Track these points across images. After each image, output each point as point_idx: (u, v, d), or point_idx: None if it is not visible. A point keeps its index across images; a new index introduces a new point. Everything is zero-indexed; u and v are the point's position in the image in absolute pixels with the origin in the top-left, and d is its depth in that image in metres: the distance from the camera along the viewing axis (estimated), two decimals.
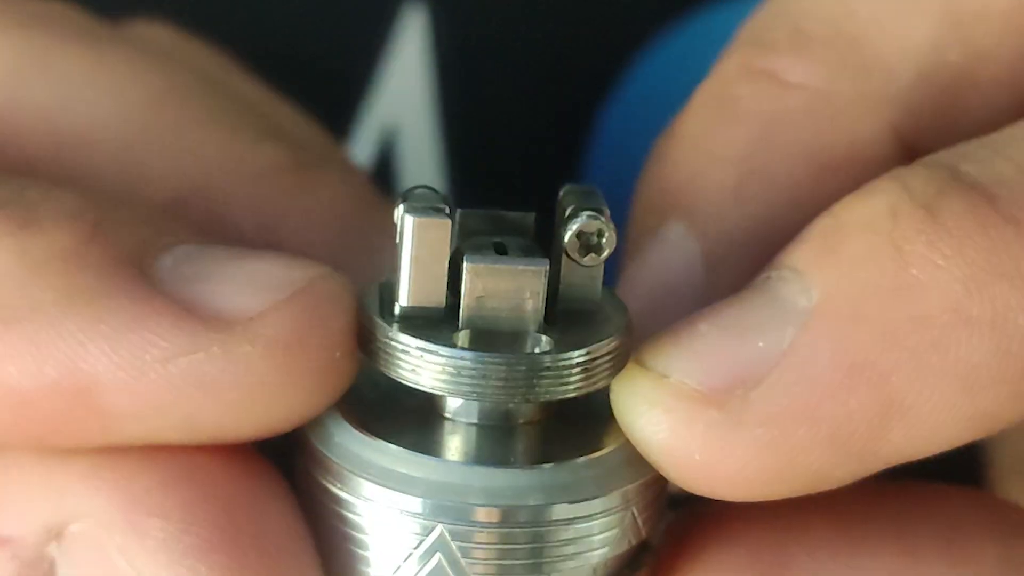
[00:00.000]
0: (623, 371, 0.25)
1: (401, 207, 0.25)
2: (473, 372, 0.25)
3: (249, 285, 0.26)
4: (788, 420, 0.23)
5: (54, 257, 0.25)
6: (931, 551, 0.26)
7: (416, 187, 0.26)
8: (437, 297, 0.25)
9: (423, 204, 0.25)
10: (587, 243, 0.25)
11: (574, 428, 0.26)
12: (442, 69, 0.40)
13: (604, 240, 0.25)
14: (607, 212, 0.25)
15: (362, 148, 0.40)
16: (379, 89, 0.40)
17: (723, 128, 0.28)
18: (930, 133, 0.27)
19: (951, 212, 0.24)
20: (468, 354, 0.25)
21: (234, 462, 0.25)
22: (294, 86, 0.40)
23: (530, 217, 0.26)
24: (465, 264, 0.25)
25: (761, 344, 0.24)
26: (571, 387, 0.25)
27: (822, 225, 0.25)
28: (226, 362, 0.25)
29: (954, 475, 0.29)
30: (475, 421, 0.26)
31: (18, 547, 0.25)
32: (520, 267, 0.25)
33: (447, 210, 0.25)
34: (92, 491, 0.25)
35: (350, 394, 0.26)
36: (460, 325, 0.25)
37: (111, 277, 0.25)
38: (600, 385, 0.25)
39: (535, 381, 0.25)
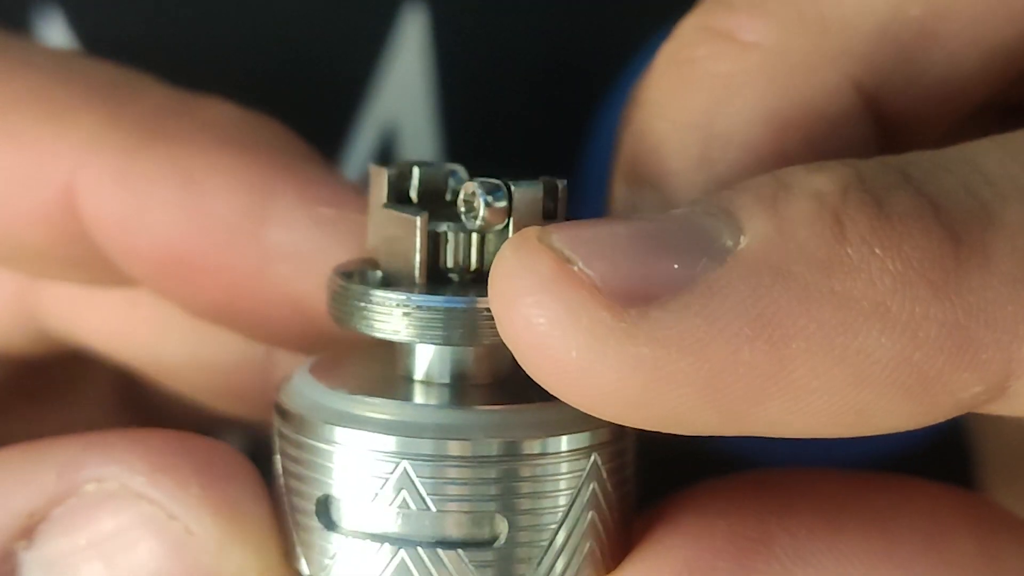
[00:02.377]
0: (517, 241, 0.24)
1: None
2: (426, 316, 0.26)
3: None
4: (676, 348, 0.22)
5: (258, 121, 0.30)
6: (912, 543, 0.26)
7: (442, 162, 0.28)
8: (373, 245, 0.27)
9: (403, 161, 0.27)
10: (467, 205, 0.26)
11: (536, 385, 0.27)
12: (442, 69, 0.40)
13: (476, 204, 0.26)
14: (507, 186, 0.26)
15: (362, 147, 0.40)
16: (379, 88, 0.40)
17: (683, 93, 0.28)
18: (892, 88, 0.27)
19: (897, 208, 0.23)
20: (379, 294, 0.26)
21: (200, 436, 0.27)
22: (295, 86, 0.40)
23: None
24: (380, 211, 0.27)
25: (676, 266, 0.23)
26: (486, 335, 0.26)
27: (764, 180, 0.24)
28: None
29: (943, 475, 0.29)
30: (446, 381, 0.27)
31: None
32: (401, 215, 0.26)
33: (405, 164, 0.27)
34: (99, 456, 0.25)
35: (324, 366, 0.27)
36: (377, 268, 0.27)
37: (306, 152, 0.30)
38: None
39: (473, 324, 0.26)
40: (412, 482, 0.25)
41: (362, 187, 0.30)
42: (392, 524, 0.25)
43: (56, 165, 0.30)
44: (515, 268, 0.23)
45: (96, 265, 0.31)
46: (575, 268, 0.23)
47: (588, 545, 0.26)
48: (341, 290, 0.26)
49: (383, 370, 0.28)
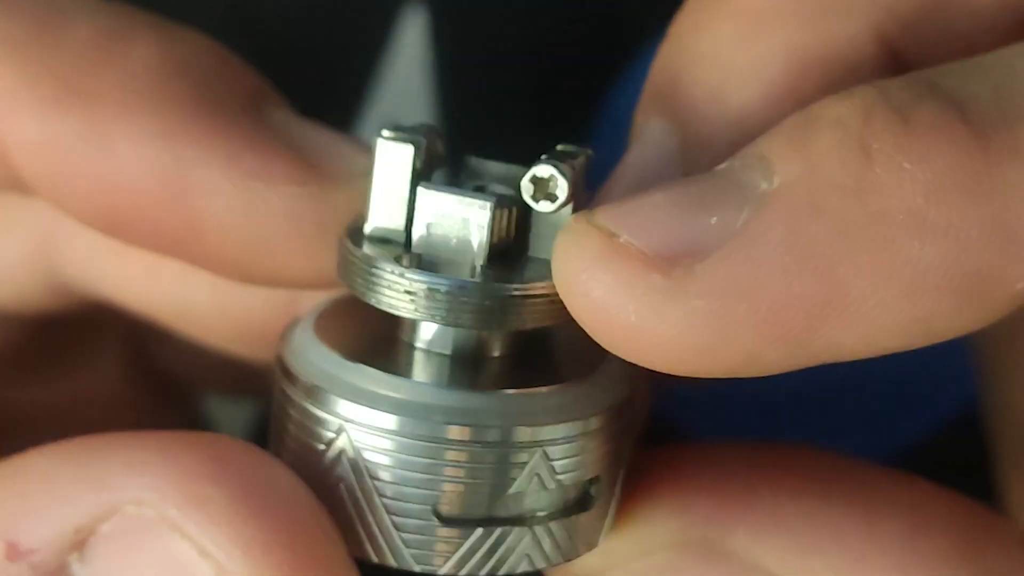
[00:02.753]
0: (570, 226, 0.25)
1: (378, 133, 0.26)
2: (443, 298, 0.25)
3: (352, 153, 0.29)
4: (729, 295, 0.23)
5: (189, 67, 0.29)
6: (891, 530, 0.27)
7: (421, 124, 0.27)
8: (398, 221, 0.26)
9: (401, 132, 0.26)
10: (542, 188, 0.26)
11: (540, 362, 0.27)
12: (442, 69, 0.40)
13: (556, 187, 0.26)
14: (570, 164, 0.26)
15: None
16: (379, 88, 0.40)
17: (709, 26, 0.28)
18: (914, 40, 0.28)
19: (922, 119, 0.24)
20: (440, 280, 0.26)
21: (245, 447, 0.26)
22: (295, 86, 0.40)
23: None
24: (419, 190, 0.26)
25: (715, 220, 0.24)
26: (531, 319, 0.26)
27: (795, 119, 0.25)
28: (320, 204, 0.28)
29: (956, 468, 0.29)
30: (447, 352, 0.27)
31: (37, 558, 0.25)
32: (468, 199, 0.26)
33: (418, 138, 0.26)
34: (137, 477, 0.25)
35: (327, 324, 0.27)
36: (411, 249, 0.26)
37: (239, 106, 0.29)
38: (561, 320, 0.26)
39: (501, 310, 0.26)
40: (547, 465, 0.26)
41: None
42: (522, 506, 0.26)
43: None
44: (569, 250, 0.24)
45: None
46: (620, 240, 0.24)
47: (622, 491, 0.28)
48: (392, 280, 0.26)
49: (392, 334, 0.28)
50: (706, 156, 0.27)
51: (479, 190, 0.27)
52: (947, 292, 0.23)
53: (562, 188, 0.26)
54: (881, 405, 0.41)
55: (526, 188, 0.26)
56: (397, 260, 0.26)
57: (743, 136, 0.26)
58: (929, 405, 0.41)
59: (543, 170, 0.26)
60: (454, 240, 0.26)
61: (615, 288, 0.24)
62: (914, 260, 0.23)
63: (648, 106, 0.28)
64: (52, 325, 0.35)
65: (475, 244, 0.26)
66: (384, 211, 0.27)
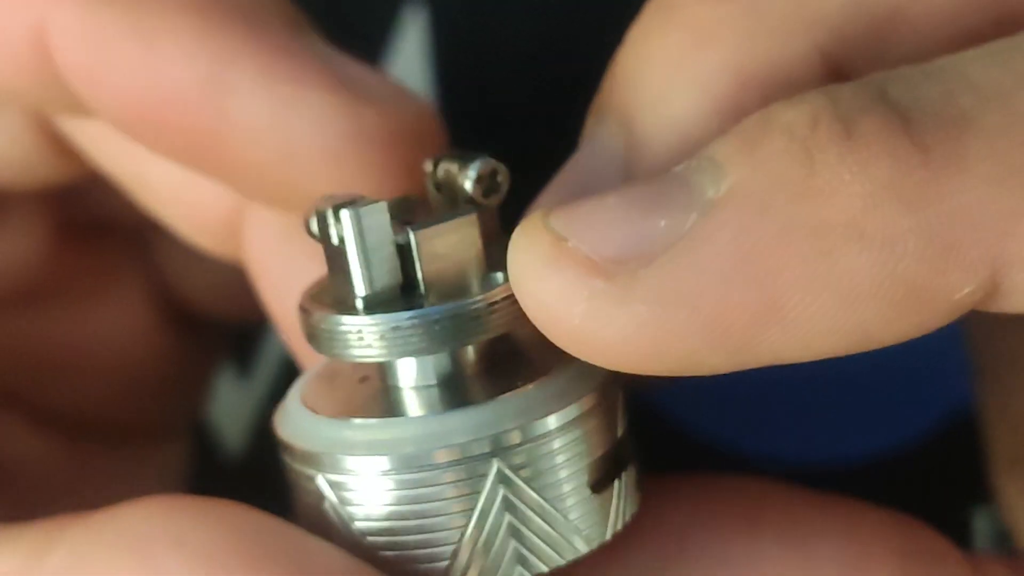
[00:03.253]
0: (525, 225, 0.26)
1: (329, 210, 0.27)
2: (425, 327, 0.26)
3: (382, 83, 0.30)
4: (669, 302, 0.24)
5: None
6: (829, 561, 0.28)
7: (322, 197, 0.28)
8: (392, 276, 0.27)
9: (347, 201, 0.27)
10: (487, 185, 0.27)
11: (521, 362, 0.28)
12: (442, 69, 0.40)
13: (500, 178, 0.27)
14: (487, 156, 0.27)
15: None
16: None
17: (659, 34, 0.28)
18: (858, 63, 0.28)
19: (866, 130, 0.24)
20: (404, 314, 0.26)
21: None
22: None
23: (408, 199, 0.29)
24: (412, 236, 0.27)
25: (663, 223, 0.24)
26: (501, 324, 0.27)
27: (749, 122, 0.25)
28: (349, 117, 0.29)
29: (949, 468, 0.29)
30: (431, 383, 0.28)
31: None
32: (455, 221, 0.27)
33: (364, 197, 0.27)
34: None
35: (314, 391, 0.28)
36: (425, 290, 0.27)
37: (280, 21, 0.30)
38: (515, 325, 0.27)
39: (471, 323, 0.27)
40: (622, 405, 0.28)
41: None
42: (624, 449, 0.28)
43: (25, 6, 0.29)
44: (521, 252, 0.25)
45: (73, 104, 0.31)
46: (569, 244, 0.25)
47: None
48: (396, 327, 0.27)
49: (374, 381, 0.28)
50: (648, 160, 0.27)
51: (406, 223, 0.28)
52: (884, 302, 0.24)
53: (504, 176, 0.27)
54: (876, 404, 0.41)
55: (473, 190, 0.27)
56: (416, 307, 0.27)
57: (685, 143, 0.27)
58: (925, 404, 0.41)
59: (484, 167, 0.27)
60: (456, 264, 0.27)
61: (561, 292, 0.24)
62: (851, 271, 0.24)
63: (599, 108, 0.29)
64: (68, 250, 0.35)
65: (474, 257, 0.27)
66: (374, 273, 0.27)
